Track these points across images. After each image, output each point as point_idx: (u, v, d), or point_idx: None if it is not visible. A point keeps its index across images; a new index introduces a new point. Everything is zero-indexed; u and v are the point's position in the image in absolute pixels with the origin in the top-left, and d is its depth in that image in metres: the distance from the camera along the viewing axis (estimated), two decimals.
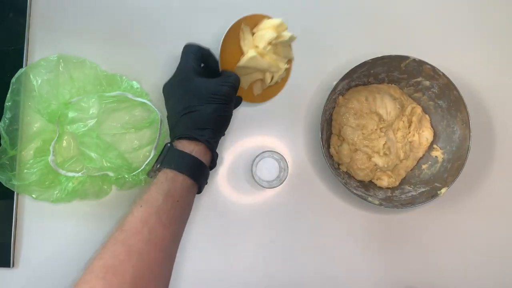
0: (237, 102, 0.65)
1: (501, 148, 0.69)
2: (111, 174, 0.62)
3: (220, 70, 0.63)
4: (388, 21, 0.71)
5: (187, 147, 0.57)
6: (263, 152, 0.65)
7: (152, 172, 0.58)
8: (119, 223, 0.52)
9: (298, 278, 0.66)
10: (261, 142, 0.69)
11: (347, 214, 0.67)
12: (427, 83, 0.66)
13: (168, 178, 0.55)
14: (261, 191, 0.67)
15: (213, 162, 0.60)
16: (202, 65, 0.62)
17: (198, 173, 0.57)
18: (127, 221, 0.52)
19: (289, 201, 0.67)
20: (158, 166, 0.56)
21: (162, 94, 0.61)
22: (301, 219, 0.67)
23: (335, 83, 0.63)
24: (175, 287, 0.65)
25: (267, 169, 0.66)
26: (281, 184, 0.65)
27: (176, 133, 0.58)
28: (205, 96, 0.57)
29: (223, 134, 0.62)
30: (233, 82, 0.59)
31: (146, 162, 0.63)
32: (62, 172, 0.62)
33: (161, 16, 0.70)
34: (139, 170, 0.63)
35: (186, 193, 0.56)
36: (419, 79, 0.66)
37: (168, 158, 0.56)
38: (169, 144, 0.58)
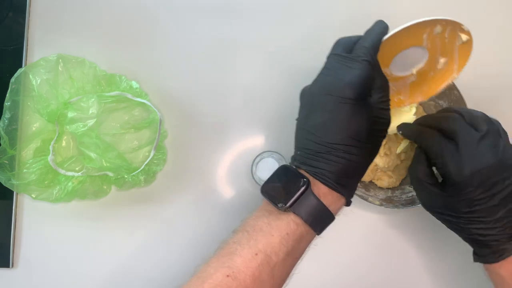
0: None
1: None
2: (110, 174, 0.62)
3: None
4: (388, 21, 0.71)
5: (327, 198, 0.46)
6: (263, 152, 0.65)
7: (278, 204, 0.46)
8: (224, 255, 0.45)
9: (297, 278, 0.66)
10: (261, 142, 0.68)
11: (347, 214, 0.67)
12: None
13: (297, 232, 0.46)
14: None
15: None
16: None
17: (326, 226, 0.49)
18: (236, 264, 0.44)
19: None
20: (290, 208, 0.46)
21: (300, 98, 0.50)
22: None
23: None
24: None
25: (267, 169, 0.66)
26: None
27: (316, 170, 0.46)
28: (369, 133, 0.45)
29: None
30: (388, 102, 0.48)
31: (146, 162, 0.63)
32: (62, 171, 0.62)
33: (161, 16, 0.70)
34: (138, 170, 0.63)
35: (306, 247, 0.49)
36: None
37: (304, 205, 0.45)
38: (305, 180, 0.45)
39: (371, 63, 0.46)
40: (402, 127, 0.56)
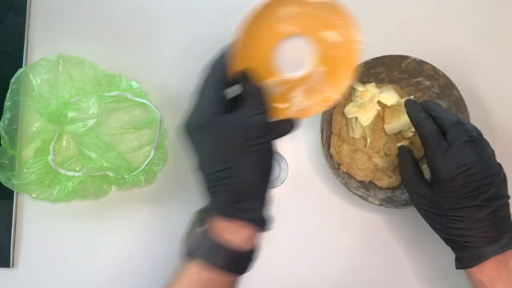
0: (288, 127, 0.50)
1: (502, 148, 0.68)
2: (111, 174, 0.62)
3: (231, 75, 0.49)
4: (388, 21, 0.71)
5: (227, 232, 0.45)
6: None
7: (183, 252, 0.48)
8: None
9: (297, 278, 0.66)
10: None
11: (347, 214, 0.67)
12: (428, 83, 0.66)
13: (204, 278, 0.45)
14: None
15: (266, 229, 0.49)
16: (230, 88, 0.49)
17: (240, 265, 0.47)
18: None
19: (289, 201, 0.67)
20: (188, 256, 0.47)
21: (185, 135, 0.49)
22: (300, 219, 0.67)
23: None
24: None
25: None
26: (281, 184, 0.64)
27: (210, 205, 0.46)
28: (238, 149, 0.44)
29: (272, 186, 0.49)
30: (262, 106, 0.46)
31: (146, 162, 0.63)
32: (62, 171, 0.62)
33: (161, 16, 0.70)
34: (138, 170, 0.63)
35: None
36: (419, 79, 0.66)
37: (201, 248, 0.45)
38: (202, 224, 0.46)
39: (210, 87, 0.47)
40: (410, 103, 0.56)
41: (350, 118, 0.65)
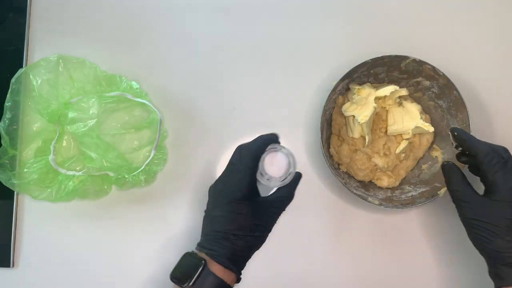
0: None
1: (501, 137, 0.69)
2: (111, 174, 0.62)
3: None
4: (388, 21, 0.71)
5: (221, 275, 0.53)
6: (270, 148, 0.62)
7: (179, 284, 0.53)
8: None
9: (297, 278, 0.66)
10: None
11: (347, 214, 0.67)
12: (427, 83, 0.66)
13: None
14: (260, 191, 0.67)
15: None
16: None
17: None
18: None
19: (293, 204, 0.67)
20: (193, 286, 0.52)
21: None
22: (300, 219, 0.67)
23: (334, 83, 0.63)
24: None
25: (276, 164, 0.61)
26: (290, 179, 0.62)
27: (213, 253, 0.53)
28: (248, 229, 0.54)
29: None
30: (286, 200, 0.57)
31: (146, 162, 0.63)
32: (63, 171, 0.62)
33: (161, 17, 0.70)
34: (139, 170, 0.63)
35: None
36: (419, 79, 0.66)
37: (206, 281, 0.52)
38: (203, 262, 0.53)
39: (251, 170, 0.55)
40: (457, 130, 0.58)
41: (348, 118, 0.65)
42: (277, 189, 0.58)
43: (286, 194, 0.57)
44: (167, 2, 0.70)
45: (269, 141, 0.57)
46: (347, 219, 0.67)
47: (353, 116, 0.64)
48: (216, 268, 0.53)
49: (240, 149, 0.56)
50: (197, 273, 0.52)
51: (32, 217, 0.66)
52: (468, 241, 0.56)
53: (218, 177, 0.56)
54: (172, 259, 0.65)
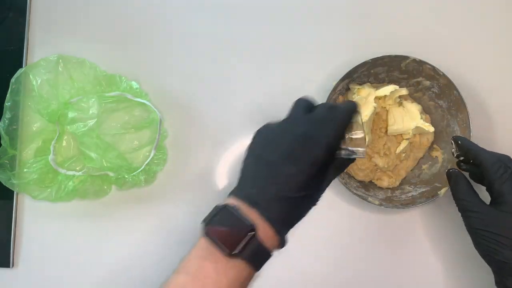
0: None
1: (501, 148, 0.69)
2: (111, 174, 0.62)
3: None
4: (388, 21, 0.71)
5: (268, 240, 0.46)
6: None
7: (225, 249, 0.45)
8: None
9: (297, 278, 0.66)
10: None
11: (347, 214, 0.67)
12: (427, 83, 0.66)
13: (243, 276, 0.46)
14: None
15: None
16: None
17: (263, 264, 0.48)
18: None
19: None
20: (237, 255, 0.45)
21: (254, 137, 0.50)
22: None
23: (334, 83, 0.63)
24: None
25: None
26: None
27: (270, 216, 0.46)
28: (323, 189, 0.48)
29: None
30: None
31: (146, 162, 0.63)
32: (63, 171, 0.62)
33: (161, 16, 0.70)
34: (139, 170, 0.63)
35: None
36: (419, 79, 0.66)
37: (249, 250, 0.45)
38: (252, 227, 0.45)
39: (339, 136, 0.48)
40: (460, 138, 0.58)
41: None
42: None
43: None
44: (167, 2, 0.70)
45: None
46: (347, 219, 0.67)
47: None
48: (265, 233, 0.45)
49: (335, 111, 0.48)
50: (246, 239, 0.44)
51: (32, 217, 0.66)
52: (468, 241, 0.56)
53: (289, 121, 0.49)
54: (173, 259, 0.65)
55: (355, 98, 0.64)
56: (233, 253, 0.44)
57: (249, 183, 0.47)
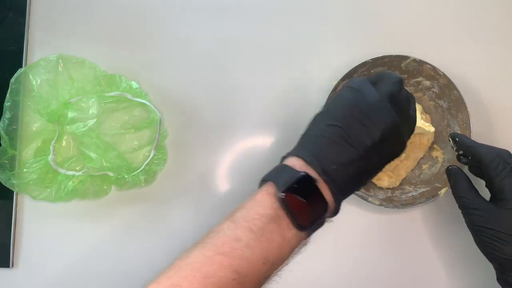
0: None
1: (502, 137, 0.69)
2: (111, 174, 0.62)
3: None
4: (388, 21, 0.71)
5: (331, 213, 0.47)
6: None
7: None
8: (229, 255, 0.42)
9: (297, 278, 0.66)
10: (261, 142, 0.68)
11: (347, 214, 0.67)
12: (428, 83, 0.66)
13: (301, 245, 0.47)
14: None
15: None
16: None
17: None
18: (244, 270, 0.42)
19: None
20: (308, 230, 0.46)
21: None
22: None
23: (335, 83, 0.63)
24: None
25: None
26: None
27: (342, 191, 0.47)
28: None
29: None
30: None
31: (146, 162, 0.63)
32: (62, 171, 0.62)
33: (161, 16, 0.70)
34: (138, 170, 0.63)
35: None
36: (419, 79, 0.66)
37: (317, 225, 0.46)
38: (327, 206, 0.45)
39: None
40: (458, 135, 0.58)
41: None
42: None
43: None
44: (167, 2, 0.70)
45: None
46: (347, 219, 0.67)
47: None
48: (331, 208, 0.46)
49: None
50: (320, 219, 0.45)
51: (32, 217, 0.66)
52: (469, 241, 0.56)
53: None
54: (172, 259, 0.65)
55: None
56: (303, 226, 0.45)
57: (328, 155, 0.46)
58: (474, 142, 0.57)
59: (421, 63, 0.63)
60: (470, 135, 0.62)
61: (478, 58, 0.70)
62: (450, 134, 0.59)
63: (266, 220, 0.44)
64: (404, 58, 0.64)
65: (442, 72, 0.63)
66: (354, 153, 0.46)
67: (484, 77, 0.69)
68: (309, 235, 0.47)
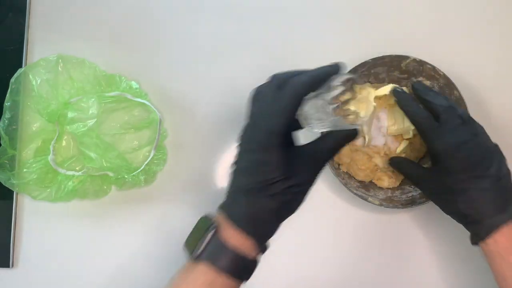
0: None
1: (502, 148, 0.68)
2: (111, 174, 0.62)
3: None
4: (388, 21, 0.71)
5: (237, 241, 0.46)
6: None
7: (189, 252, 0.48)
8: None
9: (296, 278, 0.66)
10: None
11: (347, 214, 0.67)
12: (428, 83, 0.66)
13: (217, 283, 0.45)
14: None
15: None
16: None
17: (245, 271, 0.48)
18: None
19: None
20: (194, 259, 0.47)
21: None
22: (300, 218, 0.67)
23: None
24: None
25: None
26: None
27: (230, 212, 0.47)
28: (281, 182, 0.46)
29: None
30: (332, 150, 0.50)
31: (146, 162, 0.63)
32: (62, 171, 0.62)
33: (161, 16, 0.70)
34: (138, 170, 0.63)
35: None
36: (419, 79, 0.66)
37: (216, 251, 0.46)
38: (213, 225, 0.46)
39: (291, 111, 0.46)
40: (399, 93, 0.59)
41: None
42: (320, 137, 0.50)
43: (330, 144, 0.49)
44: (167, 2, 0.70)
45: (326, 77, 0.48)
46: (347, 219, 0.67)
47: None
48: (232, 234, 0.45)
49: (278, 82, 0.47)
50: (207, 239, 0.45)
51: (32, 217, 0.66)
52: (468, 241, 0.56)
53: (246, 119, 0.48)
54: (173, 259, 0.65)
55: (357, 97, 0.64)
56: (195, 254, 0.46)
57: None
58: (410, 103, 0.57)
59: (421, 63, 0.63)
60: None
61: (478, 58, 0.70)
62: (412, 84, 0.59)
63: (179, 274, 0.48)
64: (404, 58, 0.64)
65: (442, 72, 0.63)
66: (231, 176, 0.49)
67: (484, 76, 0.69)
68: (223, 269, 0.46)
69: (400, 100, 0.58)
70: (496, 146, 0.55)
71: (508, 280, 0.52)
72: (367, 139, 0.64)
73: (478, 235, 0.54)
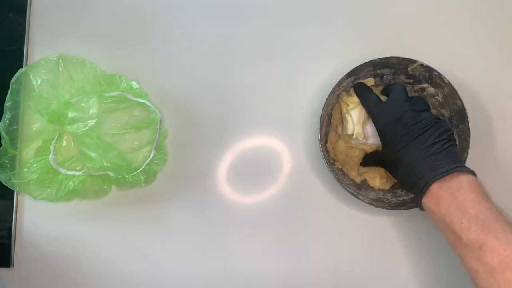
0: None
1: (501, 152, 0.69)
2: (111, 174, 0.62)
3: None
4: (396, 25, 0.70)
5: None
6: None
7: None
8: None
9: (296, 277, 0.66)
10: (260, 142, 0.68)
11: (339, 212, 0.67)
12: (432, 90, 0.65)
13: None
14: (261, 191, 0.67)
15: None
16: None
17: None
18: None
19: (290, 201, 0.67)
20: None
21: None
22: (294, 215, 0.67)
23: (340, 77, 0.62)
24: None
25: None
26: None
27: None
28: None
29: None
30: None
31: (146, 162, 0.63)
32: (63, 171, 0.62)
33: (161, 16, 0.70)
34: (139, 170, 0.63)
35: None
36: (424, 85, 0.65)
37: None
38: None
39: None
40: (356, 85, 0.66)
41: (343, 115, 0.65)
42: None
43: None
44: (167, 2, 0.70)
45: None
46: (338, 217, 0.67)
47: (348, 114, 0.64)
48: None
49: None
50: None
51: (32, 217, 0.66)
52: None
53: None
54: (173, 259, 0.66)
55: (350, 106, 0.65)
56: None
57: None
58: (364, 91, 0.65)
59: (428, 69, 0.63)
60: (468, 147, 0.62)
61: (479, 60, 0.70)
62: (354, 84, 0.66)
63: None
64: (411, 62, 0.63)
65: (448, 81, 0.62)
66: None
67: (486, 79, 0.69)
68: None
69: (355, 90, 0.65)
70: (438, 119, 0.59)
71: (446, 234, 0.55)
72: (355, 132, 0.64)
73: (415, 199, 0.58)
